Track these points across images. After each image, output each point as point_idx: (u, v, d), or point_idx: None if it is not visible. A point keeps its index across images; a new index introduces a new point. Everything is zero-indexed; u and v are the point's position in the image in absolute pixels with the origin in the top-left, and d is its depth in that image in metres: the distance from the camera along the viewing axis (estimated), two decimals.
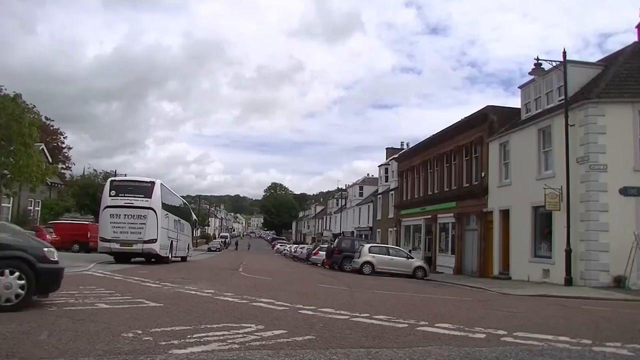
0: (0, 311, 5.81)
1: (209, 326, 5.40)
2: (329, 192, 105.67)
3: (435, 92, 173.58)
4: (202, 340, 4.57)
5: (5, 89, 23.72)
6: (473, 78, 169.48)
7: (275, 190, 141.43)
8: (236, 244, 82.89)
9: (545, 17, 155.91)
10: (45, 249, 6.81)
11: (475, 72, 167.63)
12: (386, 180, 46.57)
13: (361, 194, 59.12)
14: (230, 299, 8.48)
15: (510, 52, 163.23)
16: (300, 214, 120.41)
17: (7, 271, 6.14)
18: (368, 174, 64.72)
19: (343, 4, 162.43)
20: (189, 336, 4.73)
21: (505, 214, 22.56)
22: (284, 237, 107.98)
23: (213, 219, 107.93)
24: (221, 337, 4.75)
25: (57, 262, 6.88)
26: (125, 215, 19.24)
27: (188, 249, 27.86)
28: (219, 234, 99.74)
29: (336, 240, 33.01)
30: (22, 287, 6.18)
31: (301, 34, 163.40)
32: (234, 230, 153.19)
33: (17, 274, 6.20)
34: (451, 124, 29.72)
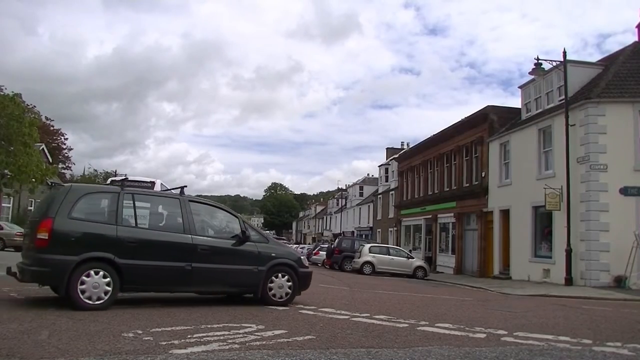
0: (275, 305, 7.64)
1: (209, 326, 5.40)
2: (329, 192, 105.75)
3: (435, 92, 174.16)
4: (202, 340, 4.57)
5: (5, 89, 23.77)
6: (472, 78, 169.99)
7: (275, 190, 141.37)
8: None
9: (544, 18, 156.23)
10: (302, 258, 8.69)
11: (475, 73, 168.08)
12: (386, 180, 46.57)
13: (361, 194, 59.13)
14: (230, 299, 8.48)
15: (509, 52, 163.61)
16: (301, 214, 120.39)
17: (279, 275, 7.93)
18: (368, 174, 64.76)
19: (342, 5, 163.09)
20: (189, 336, 4.73)
21: (505, 213, 22.56)
22: (284, 237, 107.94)
23: None
24: (221, 337, 4.75)
25: (308, 267, 8.69)
26: None
27: None
28: None
29: (336, 240, 33.01)
30: (289, 287, 7.97)
31: (300, 35, 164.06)
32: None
33: (286, 277, 7.99)
34: (451, 124, 29.77)
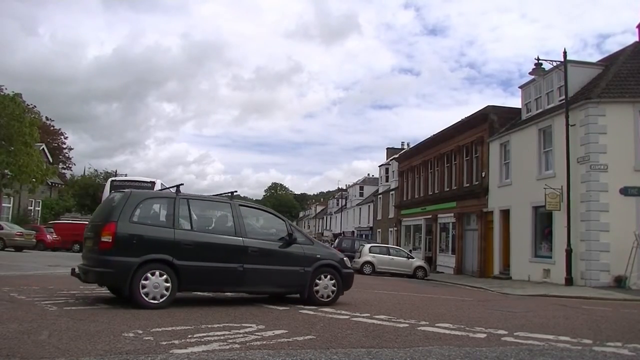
0: (321, 305, 7.97)
1: (209, 326, 5.40)
2: (329, 192, 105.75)
3: (435, 93, 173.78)
4: (203, 340, 4.57)
5: (6, 89, 23.78)
6: (472, 78, 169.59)
7: (275, 190, 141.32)
8: None
9: (544, 18, 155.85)
10: (345, 259, 8.97)
11: (475, 73, 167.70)
12: (386, 180, 46.58)
13: (361, 194, 59.15)
14: (230, 299, 8.48)
15: (509, 52, 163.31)
16: (301, 214, 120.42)
17: (324, 275, 8.31)
18: (368, 174, 64.79)
19: (341, 6, 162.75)
20: (189, 336, 4.73)
21: (505, 213, 22.56)
22: None
23: None
24: (222, 337, 4.75)
25: (350, 268, 9.13)
26: None
27: None
28: None
29: (337, 240, 33.06)
30: (334, 287, 8.36)
31: (299, 36, 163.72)
32: None
33: (330, 277, 8.37)
34: (451, 124, 29.75)
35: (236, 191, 8.33)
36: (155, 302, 6.78)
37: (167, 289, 6.92)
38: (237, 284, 7.76)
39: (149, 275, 6.83)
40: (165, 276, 6.93)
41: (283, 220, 8.67)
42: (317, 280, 8.24)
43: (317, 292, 8.22)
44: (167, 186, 23.47)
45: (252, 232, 8.00)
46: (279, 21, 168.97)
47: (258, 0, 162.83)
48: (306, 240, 8.63)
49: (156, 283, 6.85)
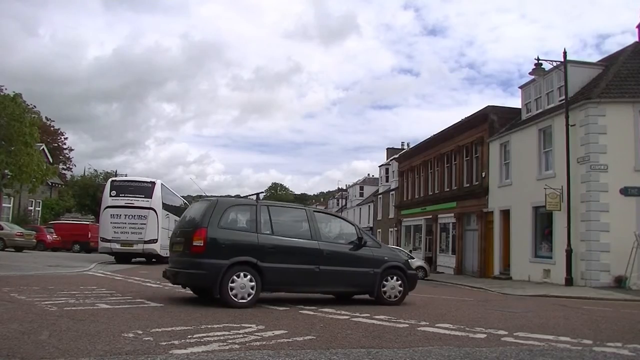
0: (387, 304, 8.52)
1: (209, 326, 5.40)
2: (329, 192, 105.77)
3: (434, 93, 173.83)
4: (202, 340, 4.57)
5: (6, 89, 23.78)
6: (472, 79, 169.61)
7: (275, 190, 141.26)
8: None
9: (543, 19, 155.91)
10: (409, 261, 9.74)
11: (474, 73, 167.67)
12: (387, 181, 46.57)
13: (361, 194, 59.13)
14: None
15: (508, 53, 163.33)
16: None
17: (389, 277, 8.81)
18: (369, 174, 64.77)
19: (341, 6, 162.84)
20: (189, 336, 4.73)
21: (505, 214, 22.56)
22: None
23: None
24: (222, 337, 4.75)
25: (414, 270, 9.75)
26: (125, 215, 19.25)
27: None
28: None
29: None
30: (400, 287, 8.88)
31: (299, 36, 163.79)
32: None
33: (397, 278, 8.86)
34: (451, 124, 29.76)
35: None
36: (243, 301, 7.39)
37: (252, 288, 7.52)
38: (313, 284, 8.36)
39: (235, 277, 7.44)
40: (250, 277, 7.53)
41: (353, 225, 9.37)
42: (385, 282, 8.79)
43: (385, 292, 8.77)
44: (168, 187, 23.55)
45: (325, 236, 8.64)
46: (278, 22, 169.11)
47: (258, 1, 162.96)
48: (374, 244, 9.23)
49: (243, 284, 7.46)
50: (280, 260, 7.93)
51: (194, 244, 7.51)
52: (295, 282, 8.19)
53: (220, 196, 10.99)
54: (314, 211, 8.98)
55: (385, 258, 8.97)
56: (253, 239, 7.82)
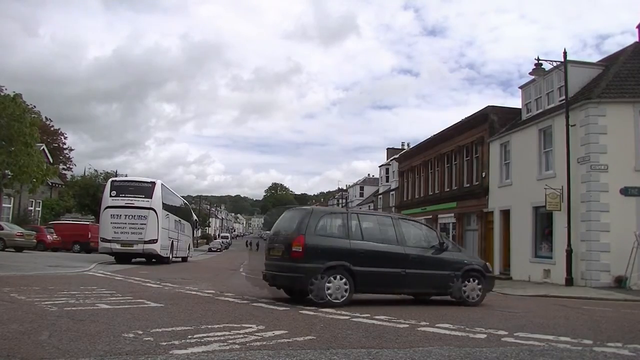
0: (468, 305, 9.10)
1: (209, 326, 5.40)
2: (329, 192, 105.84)
3: (434, 93, 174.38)
4: (202, 340, 4.57)
5: (6, 89, 23.78)
6: (471, 79, 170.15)
7: (275, 190, 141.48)
8: (249, 243, 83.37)
9: (543, 19, 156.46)
10: (487, 264, 10.23)
11: (474, 73, 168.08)
12: (387, 181, 46.58)
13: (362, 194, 59.10)
14: (230, 299, 8.49)
15: (508, 53, 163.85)
16: None
17: (469, 279, 9.34)
18: (369, 174, 64.79)
19: (340, 7, 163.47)
20: (189, 336, 4.73)
21: (505, 214, 22.55)
22: None
23: (213, 219, 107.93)
24: (222, 338, 4.75)
25: (492, 272, 10.22)
26: (126, 215, 19.23)
27: (189, 249, 27.87)
28: (219, 235, 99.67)
29: None
30: (479, 289, 9.44)
31: (298, 37, 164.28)
32: (234, 231, 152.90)
33: (476, 280, 9.42)
34: (452, 124, 29.75)
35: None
36: (337, 301, 8.08)
37: (346, 290, 8.22)
38: (400, 286, 9.00)
39: (332, 278, 8.16)
40: (344, 280, 8.23)
41: (434, 230, 10.10)
42: (465, 284, 9.32)
43: (466, 293, 9.31)
44: (168, 187, 23.53)
45: (409, 241, 9.18)
46: (278, 22, 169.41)
47: (257, 2, 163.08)
48: (454, 248, 9.97)
49: (338, 285, 8.18)
50: (371, 264, 8.56)
51: (294, 249, 8.24)
52: (384, 284, 8.84)
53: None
54: (399, 218, 9.76)
55: (465, 261, 9.57)
56: (345, 245, 8.52)
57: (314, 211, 8.87)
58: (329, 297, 8.06)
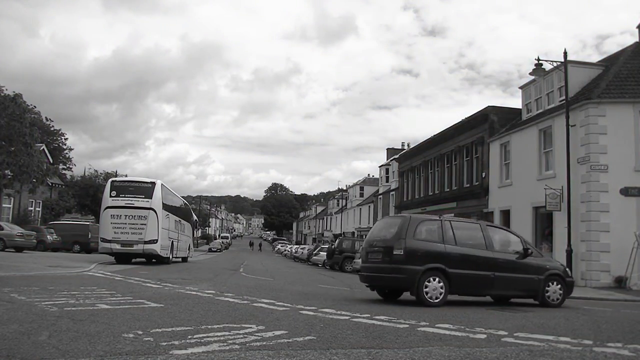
0: (551, 307, 9.76)
1: (209, 327, 5.39)
2: (329, 192, 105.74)
3: (434, 93, 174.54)
4: (202, 340, 4.56)
5: (6, 89, 23.77)
6: (471, 79, 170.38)
7: (275, 190, 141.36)
8: (251, 244, 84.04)
9: (542, 19, 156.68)
10: (567, 269, 11.04)
11: (474, 74, 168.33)
12: (387, 181, 46.58)
13: (362, 195, 59.12)
14: (231, 300, 8.48)
15: (507, 53, 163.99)
16: (301, 215, 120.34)
17: (551, 282, 10.02)
18: (369, 175, 64.78)
19: (340, 7, 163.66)
20: (189, 337, 4.72)
21: (506, 214, 22.56)
22: (284, 238, 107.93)
23: (214, 219, 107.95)
24: (222, 338, 4.75)
25: (571, 277, 10.88)
26: (126, 215, 19.21)
27: (189, 249, 27.84)
28: (219, 235, 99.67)
29: (337, 240, 32.99)
30: (560, 292, 10.06)
31: (298, 37, 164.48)
32: (234, 231, 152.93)
33: (557, 284, 10.07)
34: (451, 124, 29.77)
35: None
36: (435, 301, 8.84)
37: (441, 291, 8.93)
38: (489, 288, 9.64)
39: (430, 280, 8.91)
40: (440, 281, 8.95)
41: (518, 237, 10.55)
42: (547, 287, 9.96)
43: (548, 296, 9.94)
44: (168, 187, 23.52)
45: (497, 247, 9.80)
46: (277, 23, 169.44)
47: (257, 2, 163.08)
48: (537, 253, 10.49)
49: (435, 286, 8.91)
50: (464, 267, 9.24)
51: (395, 252, 9.04)
52: (475, 286, 9.52)
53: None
54: (487, 225, 10.43)
55: (547, 266, 10.19)
56: (441, 249, 9.24)
57: (411, 218, 9.63)
58: (427, 297, 8.81)
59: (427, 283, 8.86)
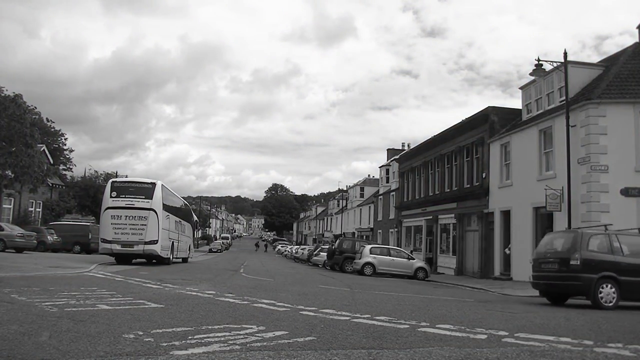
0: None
1: (210, 327, 5.39)
2: (329, 193, 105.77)
3: (434, 94, 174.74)
4: (203, 341, 4.56)
5: (6, 90, 23.78)
6: (471, 80, 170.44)
7: (276, 191, 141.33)
8: (257, 245, 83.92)
9: (542, 20, 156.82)
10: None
11: (473, 74, 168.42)
12: (387, 181, 46.58)
13: (362, 195, 59.13)
14: (231, 300, 8.47)
15: (507, 54, 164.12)
16: (301, 215, 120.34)
17: (604, 285, 10.52)
18: (369, 175, 64.81)
19: (339, 9, 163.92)
20: (190, 337, 4.72)
21: (506, 214, 22.55)
22: (285, 239, 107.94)
23: (214, 220, 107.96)
24: (222, 338, 4.75)
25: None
26: (126, 216, 19.21)
27: (189, 250, 27.84)
28: (219, 235, 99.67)
29: (337, 241, 32.98)
30: (613, 294, 10.57)
31: (298, 38, 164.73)
32: (235, 232, 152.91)
33: (610, 286, 10.59)
34: (451, 124, 29.77)
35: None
36: (609, 304, 10.28)
37: (614, 296, 10.37)
38: None
39: (604, 286, 10.34)
40: (612, 287, 10.38)
41: None
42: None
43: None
44: (168, 188, 23.51)
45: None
46: (277, 24, 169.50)
47: (256, 3, 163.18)
48: None
49: (607, 292, 10.40)
50: (632, 275, 10.52)
51: (572, 263, 10.48)
52: None
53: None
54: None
55: None
56: (611, 259, 10.61)
57: (583, 233, 11.01)
58: (602, 302, 10.20)
59: (601, 289, 10.25)
